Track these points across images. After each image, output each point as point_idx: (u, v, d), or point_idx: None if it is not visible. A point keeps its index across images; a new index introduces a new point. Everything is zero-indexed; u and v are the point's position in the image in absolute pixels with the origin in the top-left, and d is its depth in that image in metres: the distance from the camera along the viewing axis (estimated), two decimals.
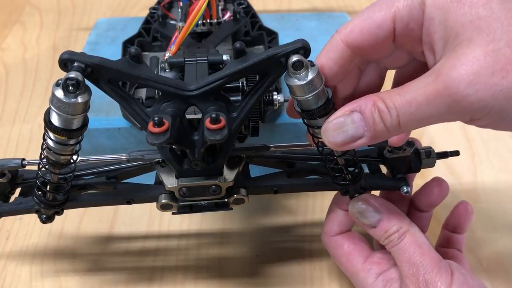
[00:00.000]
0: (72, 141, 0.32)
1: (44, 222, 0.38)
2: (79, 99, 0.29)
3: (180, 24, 0.45)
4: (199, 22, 0.49)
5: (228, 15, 0.51)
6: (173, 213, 0.38)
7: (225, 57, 0.39)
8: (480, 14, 0.26)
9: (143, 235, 0.49)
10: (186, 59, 0.39)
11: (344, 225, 0.39)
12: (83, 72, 0.29)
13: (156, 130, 0.29)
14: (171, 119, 0.30)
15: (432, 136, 0.59)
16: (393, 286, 0.36)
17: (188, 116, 0.34)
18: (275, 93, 0.42)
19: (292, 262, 0.46)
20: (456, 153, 0.42)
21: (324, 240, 0.40)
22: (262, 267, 0.46)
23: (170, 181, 0.35)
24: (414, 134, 0.40)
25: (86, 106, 0.30)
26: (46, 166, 0.34)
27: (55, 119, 0.30)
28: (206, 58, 0.39)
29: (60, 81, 0.28)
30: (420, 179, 0.45)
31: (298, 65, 0.29)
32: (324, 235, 0.40)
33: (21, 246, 0.48)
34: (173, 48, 0.41)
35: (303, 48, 0.29)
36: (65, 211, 0.50)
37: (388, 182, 0.40)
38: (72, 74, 0.28)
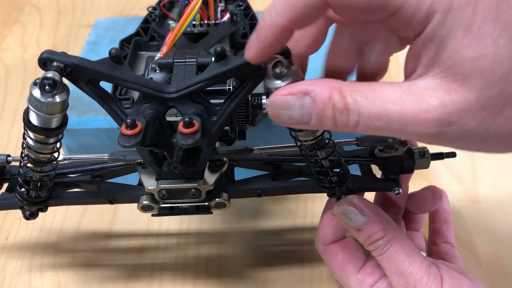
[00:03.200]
0: (51, 140, 0.32)
1: (27, 218, 0.38)
2: (57, 99, 0.29)
3: (173, 24, 0.45)
4: (196, 23, 0.49)
5: (227, 16, 0.51)
6: (152, 215, 0.38)
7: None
8: (484, 52, 0.24)
9: (143, 234, 0.49)
10: (175, 60, 0.38)
11: (338, 232, 0.38)
12: (62, 71, 0.29)
13: (128, 132, 0.28)
14: (146, 122, 0.30)
15: None
16: None
17: (169, 119, 0.34)
18: (263, 96, 0.41)
19: (292, 263, 0.46)
20: (452, 155, 0.41)
21: (318, 248, 0.39)
22: (261, 267, 0.46)
23: (150, 183, 0.36)
24: None
25: (64, 105, 0.30)
26: (28, 164, 0.34)
27: (33, 118, 0.30)
28: (195, 60, 0.39)
29: (37, 80, 0.28)
30: (421, 181, 0.45)
31: (278, 65, 0.28)
32: (318, 242, 0.39)
33: (21, 246, 0.48)
34: (164, 48, 0.41)
35: (283, 50, 0.29)
36: (65, 209, 0.51)
37: (379, 184, 0.39)
38: (49, 74, 0.28)
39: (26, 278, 0.45)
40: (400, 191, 0.38)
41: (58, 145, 0.33)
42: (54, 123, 0.31)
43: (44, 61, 0.29)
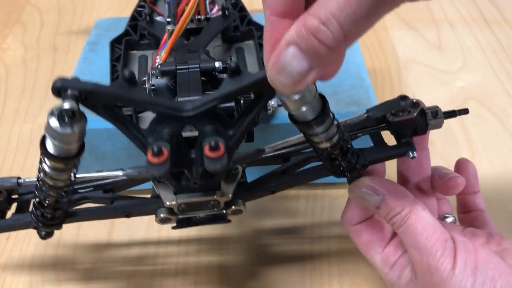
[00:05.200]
0: (68, 167, 0.32)
1: (43, 238, 0.38)
2: (75, 128, 0.28)
3: (169, 27, 0.44)
4: (199, 18, 0.48)
5: (216, 8, 0.50)
6: (172, 228, 0.38)
7: (217, 64, 0.39)
8: None
9: (142, 242, 0.49)
10: (177, 68, 0.38)
11: (363, 213, 0.38)
12: (77, 99, 0.28)
13: (156, 160, 0.28)
14: (169, 145, 0.29)
15: (431, 138, 0.58)
16: (405, 272, 0.36)
17: (185, 134, 0.33)
18: None
19: (293, 264, 0.46)
20: (465, 111, 0.39)
21: (345, 227, 0.39)
22: (262, 267, 0.46)
23: (169, 198, 0.35)
24: None
25: (82, 134, 0.29)
26: (43, 188, 0.34)
27: (50, 148, 0.29)
28: (198, 65, 0.38)
29: (54, 111, 0.27)
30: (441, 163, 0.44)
31: None
32: (344, 222, 0.39)
33: (21, 247, 0.48)
34: (163, 54, 0.40)
35: None
36: None
37: (392, 151, 0.37)
38: (67, 105, 0.27)
39: (27, 277, 0.45)
40: (415, 154, 0.37)
41: (75, 170, 0.33)
42: (72, 151, 0.30)
43: (58, 90, 0.28)
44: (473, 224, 0.41)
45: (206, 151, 0.29)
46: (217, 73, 0.39)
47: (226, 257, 0.47)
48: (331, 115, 0.32)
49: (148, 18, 0.51)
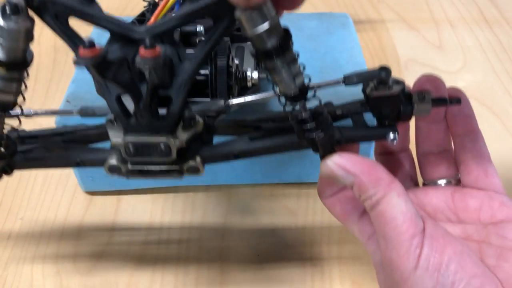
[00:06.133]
0: (14, 75, 0.31)
1: None
2: (20, 25, 0.28)
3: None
4: None
5: None
6: (119, 176, 0.35)
7: (198, 28, 0.37)
8: None
9: (146, 227, 0.49)
10: None
11: (335, 186, 0.36)
12: (28, 1, 0.28)
13: (86, 52, 0.27)
14: (113, 56, 0.28)
15: None
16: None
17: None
18: (248, 69, 0.40)
19: (293, 262, 0.46)
20: (457, 101, 0.35)
21: (321, 200, 0.37)
22: (263, 266, 0.46)
23: (117, 137, 0.33)
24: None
25: (27, 36, 0.29)
26: None
27: None
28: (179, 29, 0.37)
29: None
30: None
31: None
32: (318, 194, 0.37)
33: (22, 246, 0.48)
34: (150, 20, 0.40)
35: None
36: (69, 204, 0.51)
37: (371, 131, 0.34)
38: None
39: (28, 277, 0.45)
40: (396, 136, 0.33)
41: (22, 87, 0.32)
42: (17, 54, 0.30)
43: None
44: (477, 181, 0.36)
45: (141, 51, 0.27)
46: (200, 38, 0.37)
47: (227, 257, 0.47)
48: (294, 51, 0.29)
49: (151, 7, 0.51)
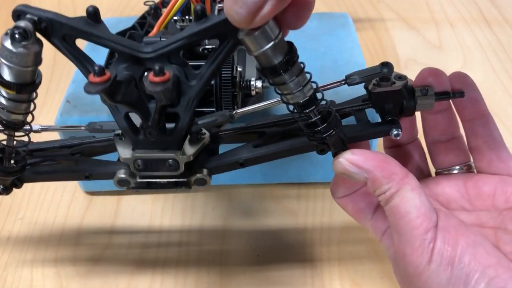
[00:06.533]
0: (24, 97, 0.31)
1: (0, 193, 0.37)
2: (28, 50, 0.28)
3: (164, 8, 0.44)
4: (192, 18, 0.48)
5: None
6: (128, 189, 0.36)
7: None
8: None
9: (145, 230, 0.49)
10: (162, 38, 0.37)
11: (350, 187, 0.36)
12: (36, 25, 0.28)
13: (96, 79, 0.27)
14: (120, 77, 0.29)
15: None
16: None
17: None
18: (252, 78, 0.40)
19: (293, 263, 0.46)
20: (461, 94, 0.34)
21: (334, 199, 0.37)
22: (263, 267, 0.46)
23: (125, 153, 0.34)
24: None
25: (36, 59, 0.29)
26: (1, 129, 0.33)
27: (5, 73, 0.29)
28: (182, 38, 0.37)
29: (8, 30, 0.28)
30: None
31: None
32: (332, 195, 0.37)
33: (22, 247, 0.48)
34: (154, 29, 0.40)
35: None
36: (68, 207, 0.51)
37: (374, 128, 0.34)
38: (21, 24, 0.27)
39: (28, 277, 0.45)
40: (400, 132, 0.33)
41: (31, 107, 0.33)
42: (27, 77, 0.30)
43: (18, 14, 0.28)
44: (490, 165, 0.36)
45: (150, 76, 0.28)
46: (205, 51, 0.38)
47: (227, 257, 0.47)
48: (299, 62, 0.29)
49: (153, 11, 0.51)
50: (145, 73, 0.31)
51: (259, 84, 0.40)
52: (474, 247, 0.30)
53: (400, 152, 0.39)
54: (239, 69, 0.43)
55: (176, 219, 0.50)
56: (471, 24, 0.77)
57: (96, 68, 0.27)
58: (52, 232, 0.49)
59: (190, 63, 0.32)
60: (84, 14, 0.31)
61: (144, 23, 0.53)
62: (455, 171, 0.37)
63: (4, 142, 0.34)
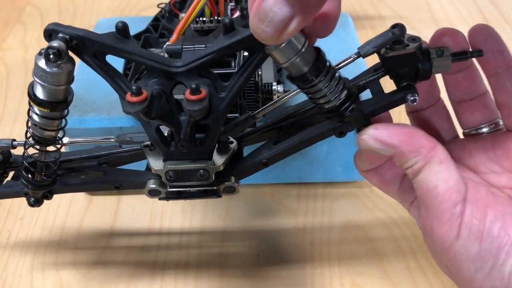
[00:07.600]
0: (57, 114, 0.32)
1: (32, 205, 0.38)
2: (62, 69, 0.29)
3: (182, 14, 0.45)
4: (206, 19, 0.49)
5: (237, 14, 0.51)
6: (159, 199, 0.36)
7: None
8: None
9: (145, 232, 0.49)
10: (183, 47, 0.38)
11: (374, 161, 0.35)
12: (67, 42, 0.29)
13: (134, 99, 0.28)
14: (153, 93, 0.29)
15: None
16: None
17: (177, 97, 0.33)
18: (274, 83, 0.40)
19: (293, 264, 0.46)
20: (479, 53, 0.33)
21: (358, 171, 0.36)
22: (263, 267, 0.46)
23: (157, 164, 0.34)
24: None
25: (69, 77, 0.30)
26: (33, 145, 0.34)
27: (38, 91, 0.30)
28: (204, 45, 0.38)
29: (42, 50, 0.28)
30: None
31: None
32: (356, 168, 0.36)
33: (22, 245, 0.48)
34: (173, 36, 0.40)
35: None
36: (67, 208, 0.51)
37: (389, 98, 0.32)
38: (55, 43, 0.28)
39: (28, 277, 0.45)
40: (416, 97, 0.31)
41: (63, 123, 0.33)
42: (60, 95, 0.31)
43: (50, 33, 0.29)
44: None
45: (187, 94, 0.28)
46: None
47: (227, 257, 0.47)
48: (328, 63, 0.29)
49: (167, 14, 0.51)
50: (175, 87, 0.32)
51: (280, 88, 0.41)
52: (503, 218, 0.29)
53: (423, 115, 0.37)
54: (259, 73, 0.43)
55: (176, 219, 0.50)
56: (471, 24, 0.76)
57: (134, 88, 0.28)
58: (52, 232, 0.49)
59: (214, 71, 0.32)
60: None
61: (157, 25, 0.53)
62: (483, 130, 0.35)
63: (36, 156, 0.35)
